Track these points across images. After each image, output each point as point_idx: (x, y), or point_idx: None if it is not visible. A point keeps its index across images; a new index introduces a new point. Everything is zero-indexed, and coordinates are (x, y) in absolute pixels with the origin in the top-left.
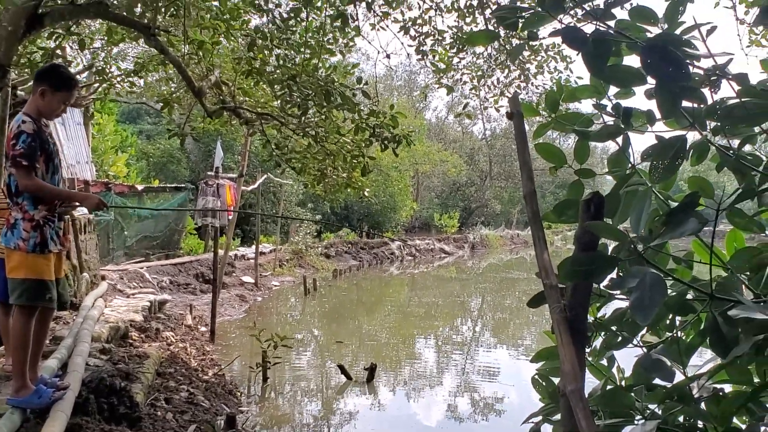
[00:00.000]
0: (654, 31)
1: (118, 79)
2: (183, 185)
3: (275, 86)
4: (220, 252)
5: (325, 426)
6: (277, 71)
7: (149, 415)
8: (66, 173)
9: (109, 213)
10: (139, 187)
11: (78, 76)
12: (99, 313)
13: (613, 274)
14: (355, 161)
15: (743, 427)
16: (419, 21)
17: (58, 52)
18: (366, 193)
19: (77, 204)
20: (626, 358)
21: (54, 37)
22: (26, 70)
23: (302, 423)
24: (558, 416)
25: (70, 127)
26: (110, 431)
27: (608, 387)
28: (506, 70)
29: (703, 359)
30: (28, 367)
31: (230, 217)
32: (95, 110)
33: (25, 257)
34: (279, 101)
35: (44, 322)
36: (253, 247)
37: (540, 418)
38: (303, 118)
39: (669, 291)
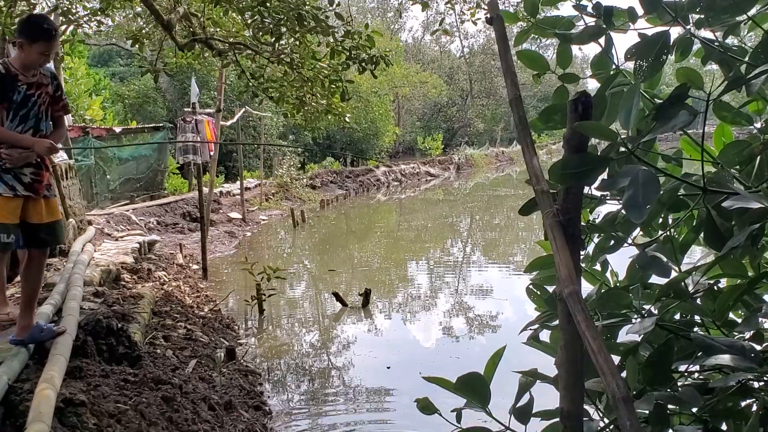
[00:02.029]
0: None
1: (85, 19)
2: (161, 124)
3: (245, 13)
4: (205, 189)
5: (324, 353)
6: None
7: (149, 354)
8: None
9: (89, 157)
10: (117, 129)
11: None
12: (89, 258)
13: (604, 176)
14: (333, 86)
15: (739, 320)
16: None
17: None
18: (347, 119)
19: (26, 150)
20: (619, 263)
21: None
22: None
23: (301, 351)
24: (556, 322)
25: None
26: (111, 371)
27: (603, 290)
28: None
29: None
30: (23, 314)
31: (212, 153)
32: (65, 53)
33: None
34: (251, 29)
35: (33, 267)
36: (238, 182)
37: (537, 325)
38: (277, 45)
39: (661, 188)
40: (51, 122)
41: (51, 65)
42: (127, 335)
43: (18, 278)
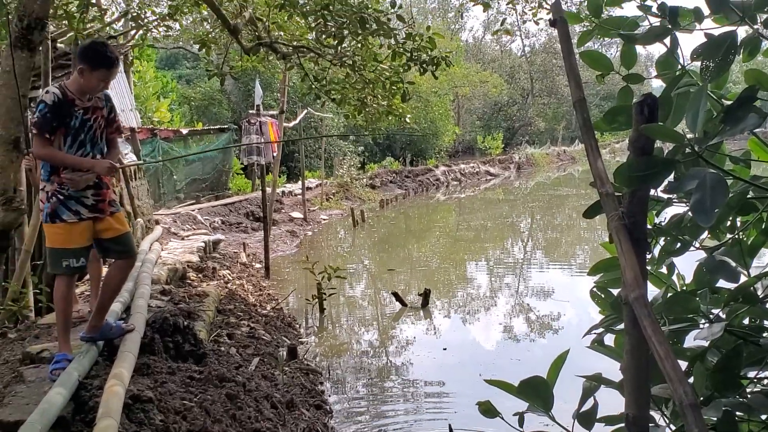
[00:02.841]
0: None
1: (154, 23)
2: (226, 126)
3: (309, 17)
4: (268, 189)
5: (383, 352)
6: (310, 1)
7: (213, 351)
8: None
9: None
10: (184, 131)
11: (114, 24)
12: (156, 257)
13: (671, 178)
14: (394, 88)
15: None
16: None
17: (93, 1)
18: (407, 120)
19: (86, 172)
20: (686, 266)
21: None
22: (63, 21)
23: (361, 351)
24: (621, 326)
25: None
26: (177, 368)
27: (670, 294)
28: None
29: (765, 263)
30: (95, 316)
31: (275, 154)
32: (134, 57)
33: (44, 227)
34: (314, 33)
35: (115, 275)
36: (299, 182)
37: (601, 329)
38: (339, 48)
39: (729, 191)
40: (105, 144)
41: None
42: (193, 333)
43: (87, 276)
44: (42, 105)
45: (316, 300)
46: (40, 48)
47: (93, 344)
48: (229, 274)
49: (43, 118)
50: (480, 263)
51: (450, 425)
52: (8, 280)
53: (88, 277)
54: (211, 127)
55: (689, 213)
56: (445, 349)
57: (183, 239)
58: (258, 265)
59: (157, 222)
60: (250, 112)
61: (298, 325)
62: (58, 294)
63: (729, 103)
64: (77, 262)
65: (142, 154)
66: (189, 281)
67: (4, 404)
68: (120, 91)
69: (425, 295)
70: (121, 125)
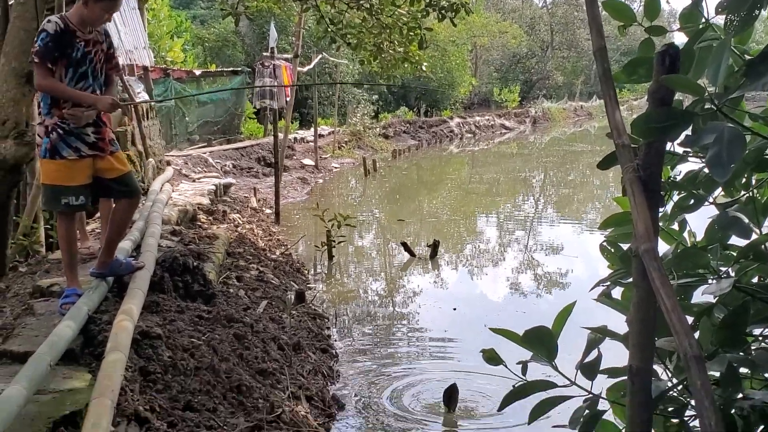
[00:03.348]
0: None
1: None
2: (239, 68)
3: None
4: (280, 135)
5: (390, 301)
6: None
7: (222, 292)
8: (124, 59)
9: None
10: (197, 72)
11: None
12: (167, 197)
13: (688, 132)
14: (411, 34)
15: None
16: None
17: None
18: (424, 68)
19: (88, 108)
20: (698, 224)
21: None
22: None
23: (368, 299)
24: (628, 280)
25: (126, 13)
26: (186, 307)
27: (680, 249)
28: None
29: None
30: (104, 253)
31: (288, 99)
32: None
33: (41, 162)
34: None
35: (119, 212)
36: (312, 129)
37: (609, 282)
38: None
39: (747, 147)
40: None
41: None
42: (202, 273)
43: (98, 214)
44: (44, 34)
45: (325, 247)
46: None
47: (102, 280)
48: (240, 218)
49: (45, 47)
50: (490, 217)
51: (455, 384)
52: (19, 215)
53: (99, 214)
54: (224, 69)
55: (705, 168)
56: (455, 308)
57: (194, 181)
58: (268, 211)
59: (168, 163)
60: (264, 54)
61: (306, 271)
62: (60, 233)
63: (751, 57)
64: (76, 200)
65: (154, 93)
66: (199, 223)
67: (14, 335)
68: (134, 28)
69: (434, 247)
70: (119, 62)
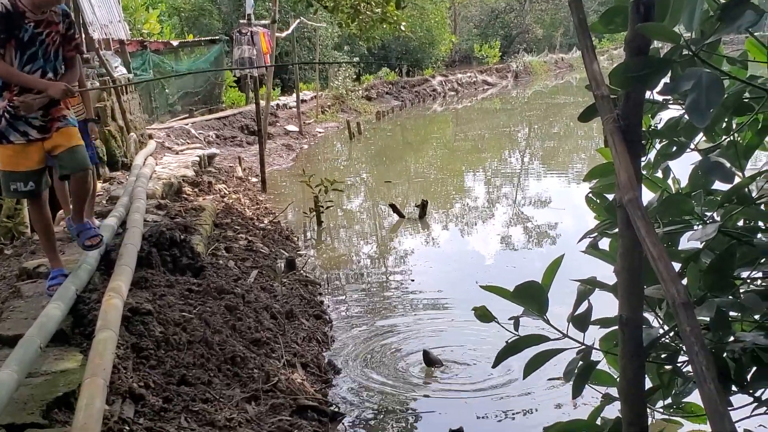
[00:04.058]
0: None
1: None
2: (217, 37)
3: None
4: (262, 103)
5: (381, 263)
6: None
7: (212, 264)
8: (99, 34)
9: (148, 72)
10: (174, 43)
11: None
12: (151, 171)
13: (667, 79)
14: None
15: None
16: None
17: None
18: (402, 28)
19: (41, 95)
20: (681, 170)
21: None
22: None
23: (359, 262)
24: (615, 230)
25: None
26: (176, 281)
27: (665, 197)
28: None
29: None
30: (75, 218)
31: (267, 65)
32: None
33: None
34: None
35: (72, 188)
36: (294, 95)
37: (596, 234)
38: None
39: (725, 91)
40: (63, 63)
41: (63, 4)
42: (190, 246)
43: None
44: None
45: (314, 213)
46: None
47: (87, 258)
48: (225, 189)
49: None
50: (477, 174)
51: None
52: (2, 197)
53: None
54: (202, 39)
55: (685, 115)
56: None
57: (177, 154)
58: (254, 179)
59: (150, 136)
60: (241, 22)
61: (296, 239)
62: (32, 216)
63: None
64: (25, 186)
65: (132, 66)
66: (185, 196)
67: (3, 319)
68: (107, 1)
69: (422, 207)
70: (81, 43)
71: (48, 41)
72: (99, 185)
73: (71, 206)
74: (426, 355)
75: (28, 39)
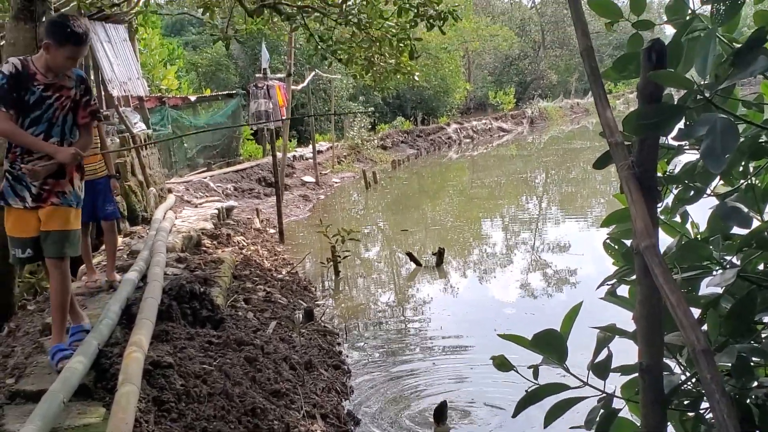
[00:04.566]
0: None
1: None
2: (234, 92)
3: None
4: (279, 154)
5: (400, 312)
6: None
7: (231, 316)
8: (119, 91)
9: (166, 127)
10: (192, 98)
11: None
12: (170, 225)
13: (681, 125)
14: (401, 45)
15: None
16: None
17: None
18: (416, 78)
19: (49, 162)
20: (700, 214)
21: None
22: None
23: (377, 311)
24: (633, 277)
25: (117, 45)
26: (196, 334)
27: (683, 242)
28: None
29: None
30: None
31: (283, 118)
32: (139, 24)
33: None
34: None
35: (51, 280)
36: (310, 146)
37: (615, 280)
38: (344, 6)
39: (741, 136)
40: (76, 130)
41: (79, 69)
42: (210, 299)
43: (103, 246)
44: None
45: (331, 263)
46: (43, 19)
47: (108, 313)
48: (244, 240)
49: (0, 90)
50: (494, 220)
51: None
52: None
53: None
54: (219, 93)
55: (701, 159)
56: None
57: (196, 207)
58: (272, 231)
59: (169, 190)
60: (258, 76)
61: (314, 288)
62: (53, 285)
63: (739, 46)
64: (23, 252)
65: (151, 122)
66: (204, 248)
67: (27, 374)
68: (126, 59)
69: (440, 254)
70: (99, 110)
71: (56, 105)
72: (120, 240)
73: (52, 307)
74: (439, 410)
75: (34, 102)
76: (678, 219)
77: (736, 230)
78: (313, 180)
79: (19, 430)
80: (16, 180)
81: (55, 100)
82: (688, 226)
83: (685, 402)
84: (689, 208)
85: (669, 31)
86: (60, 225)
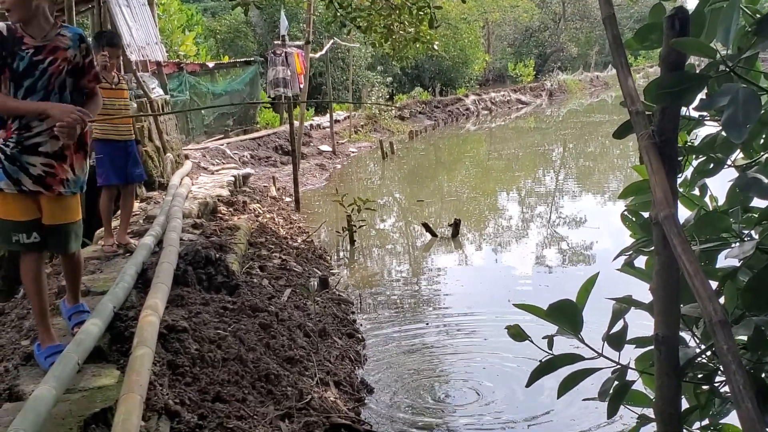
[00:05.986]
0: None
1: None
2: (252, 59)
3: None
4: (296, 123)
5: (414, 283)
6: None
7: (246, 283)
8: (137, 56)
9: (184, 93)
10: (210, 64)
11: None
12: (187, 191)
13: (703, 95)
14: (421, 13)
15: None
16: None
17: None
18: (435, 47)
19: (49, 136)
20: (719, 187)
21: None
22: None
23: (392, 281)
24: (650, 248)
25: (136, 9)
26: (211, 299)
27: (702, 214)
28: None
29: None
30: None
31: (302, 86)
32: None
33: None
34: None
35: (68, 264)
36: (327, 115)
37: (632, 251)
38: None
39: (762, 106)
40: (82, 96)
41: (77, 27)
42: (225, 265)
43: (119, 211)
44: None
45: (347, 232)
46: None
47: (125, 276)
48: (260, 208)
49: None
50: (511, 193)
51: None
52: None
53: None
54: (237, 60)
55: (722, 131)
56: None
57: (213, 174)
58: (288, 199)
59: (186, 157)
60: (276, 43)
61: (329, 257)
62: (27, 276)
63: (762, 16)
64: (28, 237)
65: (169, 88)
66: (220, 215)
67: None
68: (145, 24)
69: (455, 226)
70: (99, 72)
71: (51, 70)
72: (136, 205)
73: (66, 286)
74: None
75: (25, 68)
76: (697, 192)
77: (755, 203)
78: (330, 149)
79: (34, 390)
80: (9, 160)
81: (49, 64)
82: (707, 199)
83: (700, 375)
84: (708, 182)
85: (691, 4)
86: (68, 217)
